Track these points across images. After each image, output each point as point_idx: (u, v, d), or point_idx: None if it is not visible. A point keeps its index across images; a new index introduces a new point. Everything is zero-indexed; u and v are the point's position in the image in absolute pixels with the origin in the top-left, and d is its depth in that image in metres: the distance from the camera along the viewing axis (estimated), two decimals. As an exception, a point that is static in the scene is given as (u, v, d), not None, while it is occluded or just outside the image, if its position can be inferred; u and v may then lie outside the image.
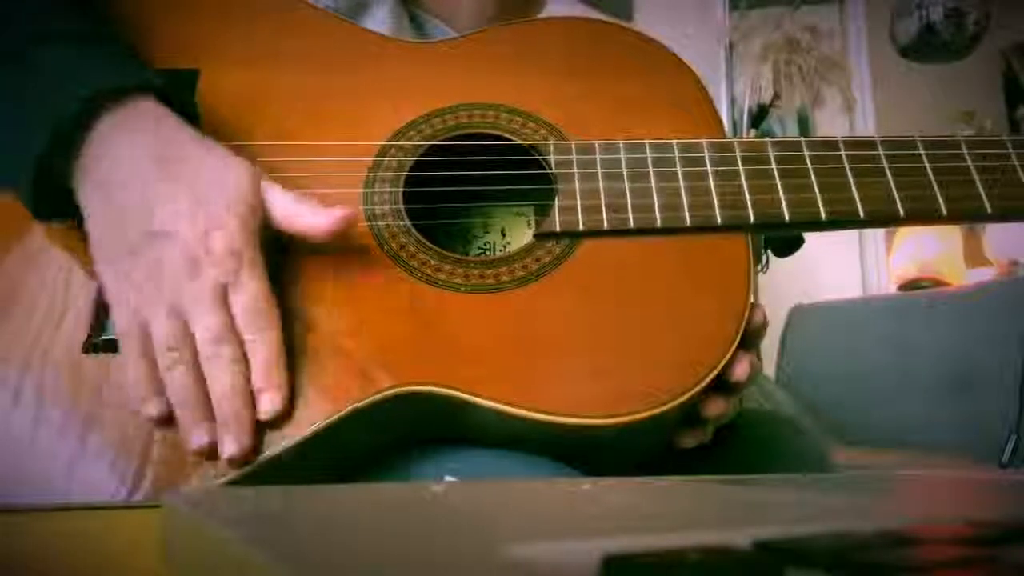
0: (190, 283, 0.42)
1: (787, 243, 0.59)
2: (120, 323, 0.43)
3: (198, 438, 0.42)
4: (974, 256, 2.49)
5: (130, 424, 0.43)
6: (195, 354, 0.42)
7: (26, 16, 0.48)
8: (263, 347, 0.43)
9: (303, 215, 0.46)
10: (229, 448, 0.41)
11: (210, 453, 0.42)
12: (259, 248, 0.44)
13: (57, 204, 0.46)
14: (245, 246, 0.43)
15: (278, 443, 0.42)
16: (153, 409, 0.43)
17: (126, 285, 0.43)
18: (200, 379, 0.42)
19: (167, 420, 0.43)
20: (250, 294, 0.43)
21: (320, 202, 0.47)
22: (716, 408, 0.47)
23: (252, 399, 0.42)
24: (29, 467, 0.42)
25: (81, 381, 0.44)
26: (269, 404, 0.42)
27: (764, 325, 0.49)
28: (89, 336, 0.45)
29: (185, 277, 0.42)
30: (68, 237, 0.48)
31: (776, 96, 2.62)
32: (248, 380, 0.43)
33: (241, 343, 0.43)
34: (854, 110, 2.70)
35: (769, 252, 0.61)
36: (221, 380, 0.42)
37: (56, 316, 0.46)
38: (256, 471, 0.42)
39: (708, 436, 0.50)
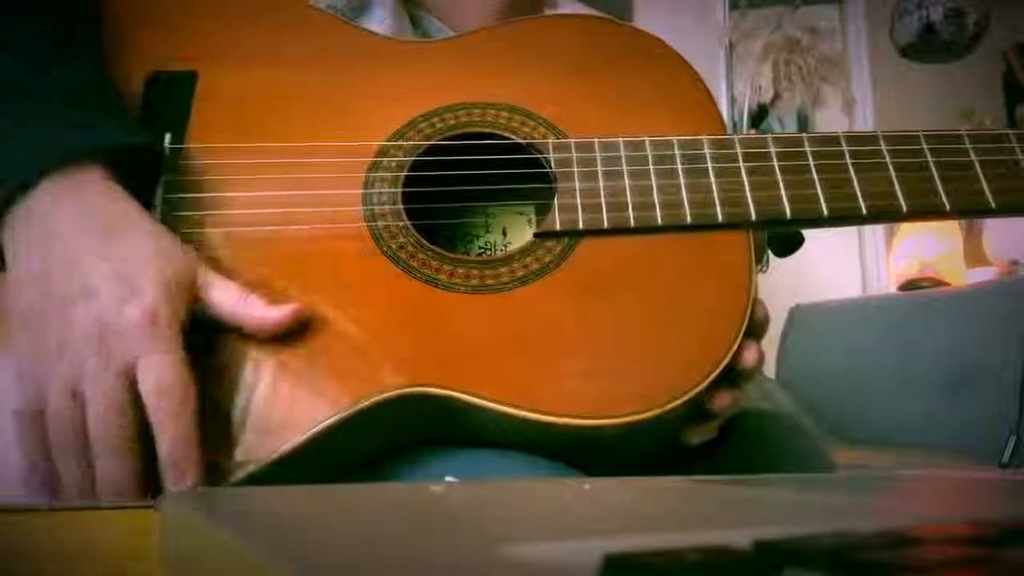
0: (94, 356, 0.40)
1: (787, 243, 0.59)
2: (18, 393, 0.42)
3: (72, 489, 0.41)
4: (974, 256, 2.49)
5: None
6: (84, 432, 0.40)
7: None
8: (171, 426, 0.41)
9: (254, 306, 0.44)
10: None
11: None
12: (179, 328, 0.42)
13: None
14: (162, 320, 0.41)
15: (282, 445, 0.42)
16: (37, 481, 0.41)
17: (33, 357, 0.42)
18: (87, 459, 0.41)
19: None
20: (159, 371, 0.41)
21: (316, 206, 0.46)
22: (723, 400, 0.47)
23: (131, 481, 0.41)
24: None
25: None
26: (176, 482, 0.40)
27: (766, 320, 0.49)
28: None
29: (91, 347, 0.40)
30: None
31: (776, 96, 2.62)
32: (136, 462, 0.41)
33: (136, 422, 0.41)
34: (854, 110, 2.70)
35: (769, 252, 0.61)
36: (108, 465, 0.40)
37: None
38: (256, 472, 0.42)
39: (715, 432, 0.50)
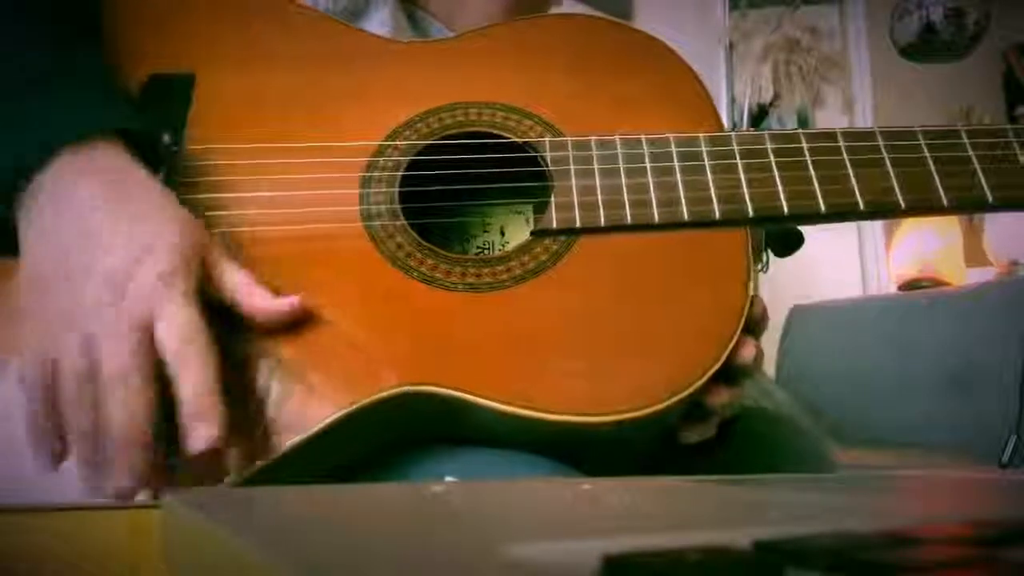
0: (108, 312, 0.40)
1: (787, 243, 0.59)
2: (28, 371, 0.41)
3: (90, 478, 0.40)
4: (974, 256, 2.49)
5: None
6: (101, 390, 0.40)
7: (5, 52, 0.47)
8: (190, 380, 0.40)
9: (257, 294, 0.44)
10: (120, 481, 0.40)
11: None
12: (195, 288, 0.42)
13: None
14: (177, 278, 0.41)
15: (280, 445, 0.42)
16: (55, 446, 0.41)
17: (43, 319, 0.41)
18: (102, 415, 0.40)
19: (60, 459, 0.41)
20: (176, 325, 0.40)
21: (313, 206, 0.47)
22: (720, 398, 0.47)
23: (144, 439, 0.40)
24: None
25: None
26: (200, 441, 0.40)
27: (764, 316, 0.49)
28: None
29: (105, 305, 0.40)
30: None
31: (776, 96, 2.62)
32: (148, 418, 0.40)
33: (150, 379, 0.40)
34: (854, 110, 2.70)
35: (769, 252, 0.61)
36: (119, 417, 0.39)
37: None
38: (257, 471, 0.42)
39: (713, 430, 0.50)
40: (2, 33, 0.48)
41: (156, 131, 0.50)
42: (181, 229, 0.43)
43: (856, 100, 2.71)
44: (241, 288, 0.44)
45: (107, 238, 0.42)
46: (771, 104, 2.62)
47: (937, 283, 2.35)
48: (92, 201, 0.43)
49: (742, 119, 2.57)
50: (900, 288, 2.42)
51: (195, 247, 0.43)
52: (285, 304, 0.45)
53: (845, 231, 2.52)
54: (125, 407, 0.39)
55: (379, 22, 0.63)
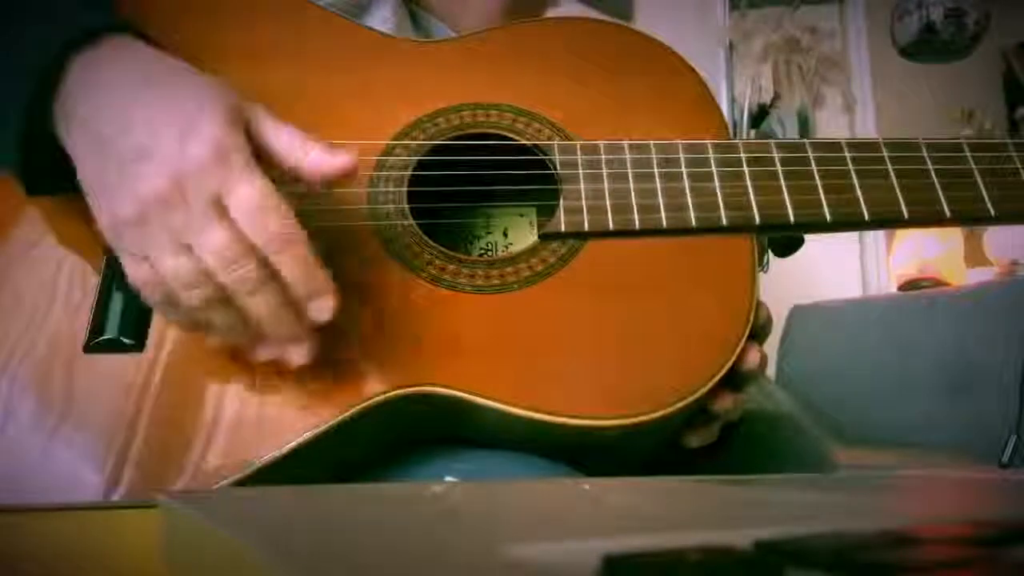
0: (179, 206, 0.39)
1: (787, 243, 0.59)
2: (130, 272, 0.41)
3: (264, 356, 0.42)
4: (974, 256, 2.49)
5: (112, 421, 0.43)
6: (218, 285, 0.39)
7: None
8: (287, 251, 0.39)
9: (313, 148, 0.42)
10: (297, 360, 0.42)
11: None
12: (251, 155, 0.40)
13: (48, 177, 0.44)
14: (231, 148, 0.39)
15: (281, 444, 0.42)
16: (213, 340, 0.42)
17: (122, 226, 0.40)
18: (234, 307, 0.40)
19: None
20: (247, 196, 0.39)
21: (321, 205, 0.47)
22: (725, 403, 0.47)
23: (297, 310, 0.41)
24: (5, 465, 0.42)
25: (70, 376, 0.44)
26: (319, 313, 0.40)
27: (769, 323, 0.49)
28: (91, 335, 0.45)
29: (171, 200, 0.39)
30: (64, 215, 0.47)
31: (776, 96, 2.62)
32: (283, 293, 0.40)
33: (254, 251, 0.39)
34: (854, 110, 2.70)
35: (769, 252, 0.61)
36: (258, 307, 0.39)
37: (42, 313, 0.45)
38: (257, 472, 0.42)
39: (715, 435, 0.50)
40: None
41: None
42: (217, 97, 0.42)
43: (856, 100, 2.71)
44: (294, 142, 0.43)
45: (144, 129, 0.40)
46: (771, 104, 2.62)
47: (937, 283, 2.35)
48: (121, 93, 0.42)
49: (742, 119, 2.57)
50: (900, 288, 2.42)
51: (236, 113, 0.42)
52: (344, 160, 0.43)
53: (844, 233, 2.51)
54: (260, 301, 0.39)
55: (381, 19, 0.63)
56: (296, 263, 0.39)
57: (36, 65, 0.43)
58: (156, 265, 0.40)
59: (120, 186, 0.40)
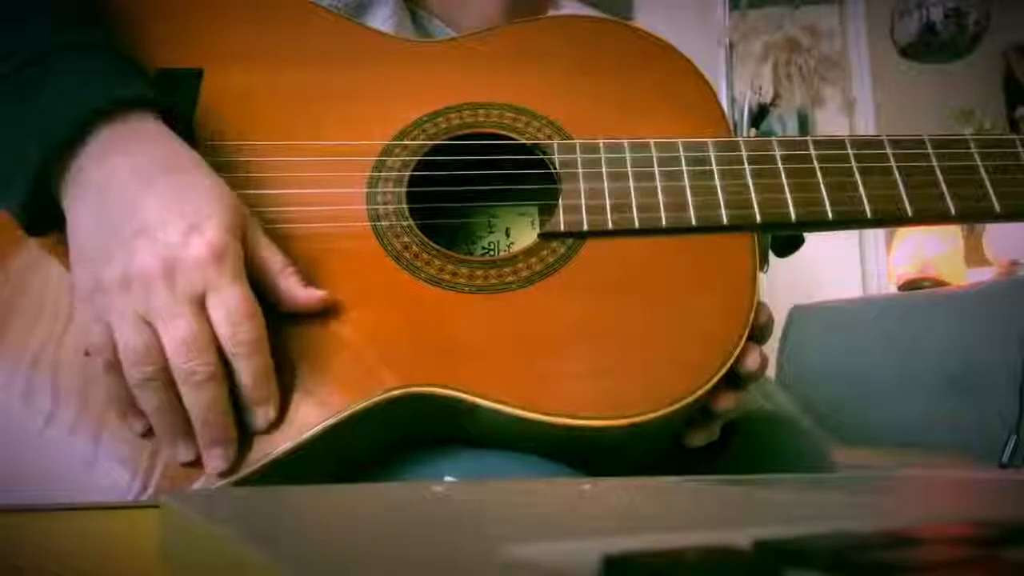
0: (163, 289, 0.40)
1: (787, 242, 0.59)
2: (87, 332, 0.42)
3: (182, 455, 0.42)
4: (974, 256, 2.49)
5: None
6: (166, 369, 0.41)
7: (27, 31, 0.47)
8: (252, 358, 0.41)
9: (293, 282, 0.45)
10: (217, 464, 0.41)
11: (197, 463, 0.42)
12: (243, 264, 0.43)
13: (48, 219, 0.45)
14: (227, 255, 0.41)
15: (281, 445, 0.42)
16: (137, 425, 0.42)
17: (96, 292, 0.42)
18: (174, 394, 0.41)
19: (152, 432, 0.42)
20: (232, 300, 0.41)
21: (319, 206, 0.47)
22: (726, 403, 0.47)
23: (231, 413, 0.42)
24: (40, 465, 0.42)
25: (88, 381, 0.44)
26: (263, 419, 0.42)
27: (770, 323, 0.49)
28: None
29: (158, 282, 0.40)
30: (58, 245, 0.47)
31: (776, 96, 2.62)
32: (226, 395, 0.41)
33: (217, 354, 0.41)
34: (854, 110, 2.70)
35: (769, 251, 0.61)
36: (198, 400, 0.40)
37: (63, 317, 0.46)
38: (259, 471, 0.42)
39: (716, 434, 0.50)
40: (4, 8, 0.47)
41: (175, 104, 0.49)
42: (227, 202, 0.43)
43: (856, 100, 2.71)
44: (282, 272, 0.45)
45: (151, 212, 0.42)
46: (771, 104, 2.61)
47: (937, 283, 2.35)
48: (136, 174, 0.43)
49: (742, 119, 2.57)
50: (900, 288, 2.42)
51: (239, 221, 0.44)
52: (315, 298, 0.45)
53: (847, 231, 2.51)
54: (204, 393, 0.40)
55: (381, 19, 0.63)
56: (257, 370, 0.41)
57: (55, 122, 0.44)
58: (115, 332, 0.41)
59: (114, 253, 0.41)
